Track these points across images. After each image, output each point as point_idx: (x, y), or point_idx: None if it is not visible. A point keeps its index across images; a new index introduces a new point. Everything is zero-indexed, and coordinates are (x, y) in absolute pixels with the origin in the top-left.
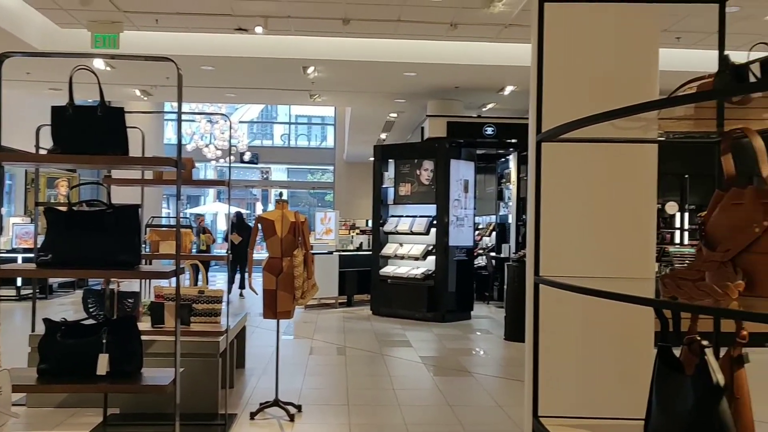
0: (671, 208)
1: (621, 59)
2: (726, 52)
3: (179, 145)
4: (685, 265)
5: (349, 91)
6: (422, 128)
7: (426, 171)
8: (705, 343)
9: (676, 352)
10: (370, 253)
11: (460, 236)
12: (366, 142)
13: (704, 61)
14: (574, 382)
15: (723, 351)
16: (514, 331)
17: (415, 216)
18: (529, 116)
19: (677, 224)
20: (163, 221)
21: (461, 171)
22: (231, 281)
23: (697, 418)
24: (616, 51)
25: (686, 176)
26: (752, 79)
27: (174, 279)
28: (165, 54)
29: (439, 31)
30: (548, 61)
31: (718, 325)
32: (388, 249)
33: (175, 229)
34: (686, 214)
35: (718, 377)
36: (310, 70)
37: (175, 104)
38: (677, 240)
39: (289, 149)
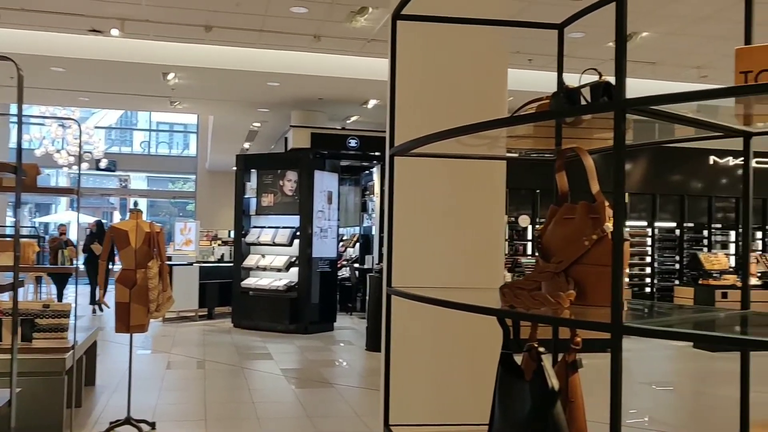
0: (524, 221)
1: (472, 78)
2: (580, 74)
3: (19, 151)
4: None
5: (212, 99)
6: (286, 138)
7: (289, 182)
8: (542, 349)
9: (519, 358)
10: (232, 264)
11: (323, 247)
12: (229, 151)
13: (554, 82)
14: (427, 390)
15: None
16: (375, 342)
17: (278, 227)
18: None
19: (529, 236)
20: (8, 231)
21: (325, 182)
22: (93, 294)
23: (533, 422)
24: (468, 70)
25: (537, 191)
26: (583, 102)
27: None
28: (9, 53)
29: (303, 43)
30: (403, 78)
31: (556, 332)
32: (250, 260)
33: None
34: (537, 227)
35: (553, 382)
36: (171, 76)
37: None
38: (529, 251)
39: (149, 157)
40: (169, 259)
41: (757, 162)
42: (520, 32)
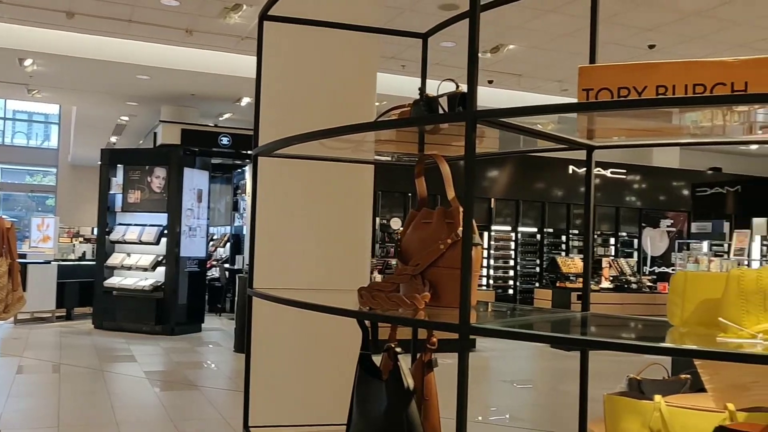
0: (395, 223)
1: (341, 82)
2: (438, 84)
3: None
4: None
5: (75, 89)
6: (155, 134)
7: (158, 178)
8: (399, 350)
9: (380, 359)
10: (94, 263)
11: (192, 247)
12: (94, 145)
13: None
14: (290, 391)
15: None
16: (244, 343)
17: (145, 225)
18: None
19: None
20: None
21: (195, 180)
22: None
23: (389, 420)
24: (337, 73)
25: (409, 194)
26: (441, 111)
27: None
28: None
29: (175, 36)
30: (270, 78)
31: (415, 333)
32: (115, 259)
33: None
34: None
35: (409, 381)
36: (28, 62)
37: None
38: None
39: (4, 147)
40: (23, 256)
41: (611, 173)
42: (394, 39)
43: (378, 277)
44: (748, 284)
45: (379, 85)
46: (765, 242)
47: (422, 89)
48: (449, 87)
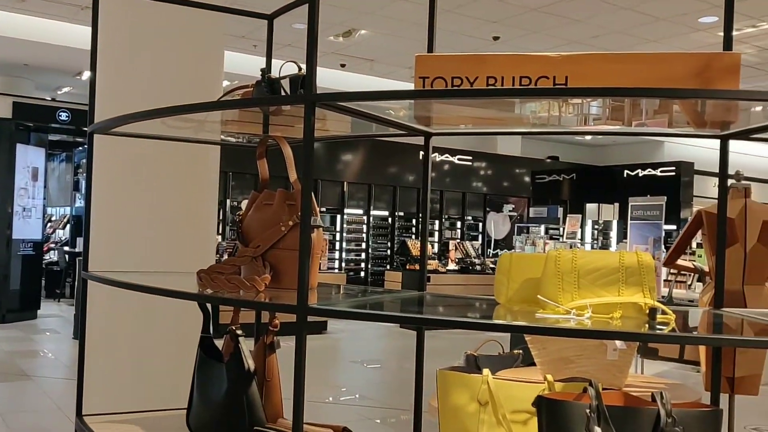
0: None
1: (186, 59)
2: (280, 65)
3: None
4: None
5: None
6: None
7: None
8: (239, 332)
9: (221, 342)
10: None
11: (26, 229)
12: None
13: (278, 69)
14: (130, 378)
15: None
16: None
17: None
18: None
19: None
20: None
21: (30, 157)
22: None
23: (229, 402)
24: (182, 50)
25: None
26: (283, 93)
27: None
28: None
29: (5, 1)
30: (111, 52)
31: (258, 315)
32: None
33: None
34: None
35: (249, 363)
36: None
37: None
38: None
39: None
40: None
41: (458, 159)
42: (246, 18)
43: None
44: (564, 264)
45: (230, 65)
46: (596, 226)
47: (265, 70)
48: (294, 69)
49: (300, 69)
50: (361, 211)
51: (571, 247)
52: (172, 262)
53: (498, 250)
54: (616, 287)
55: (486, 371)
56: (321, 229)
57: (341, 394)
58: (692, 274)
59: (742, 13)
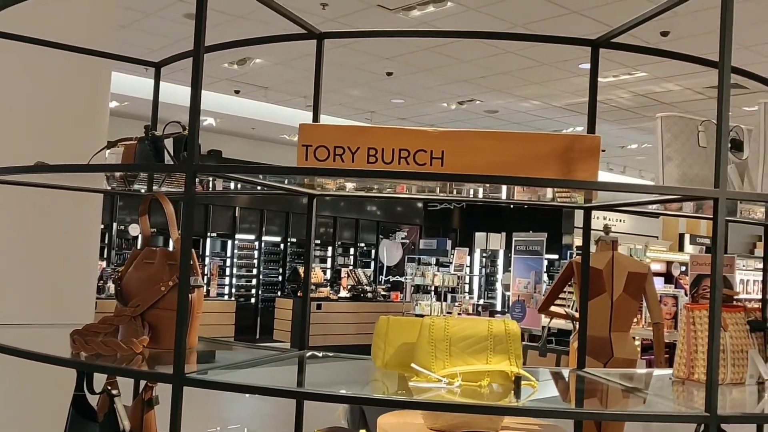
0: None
1: (69, 104)
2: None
3: None
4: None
5: None
6: None
7: None
8: (114, 392)
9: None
10: None
11: None
12: None
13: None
14: None
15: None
16: None
17: None
18: None
19: None
20: None
21: None
22: None
23: None
24: (64, 96)
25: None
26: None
27: None
28: None
29: None
30: None
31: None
32: None
33: None
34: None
35: (125, 423)
36: None
37: None
38: None
39: None
40: None
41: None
42: (138, 42)
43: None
44: (437, 332)
45: (118, 86)
46: (484, 254)
47: (149, 126)
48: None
49: (184, 129)
50: (252, 237)
51: (457, 279)
52: (48, 315)
53: (390, 277)
54: (484, 355)
55: None
56: (202, 288)
57: (227, 430)
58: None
59: (618, 62)
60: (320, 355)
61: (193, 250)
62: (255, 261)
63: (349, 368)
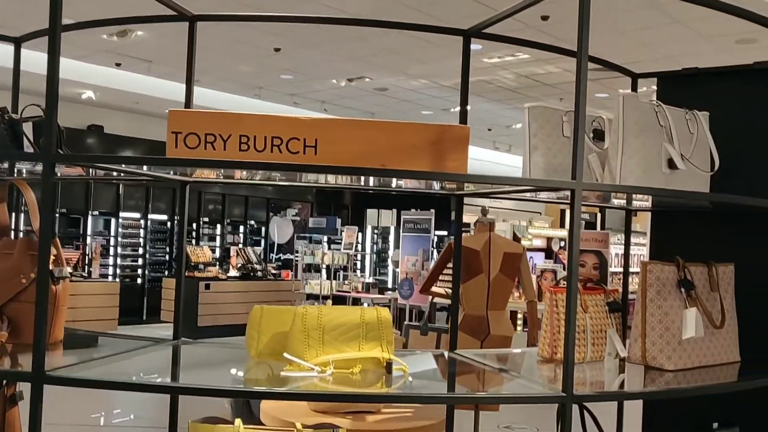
0: None
1: None
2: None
3: None
4: None
5: None
6: None
7: None
8: None
9: None
10: None
11: None
12: None
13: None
14: None
15: None
16: None
17: None
18: None
19: None
20: None
21: None
22: None
23: None
24: None
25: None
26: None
27: None
28: None
29: None
30: None
31: None
32: None
33: None
34: None
35: None
36: None
37: None
38: None
39: None
40: None
41: None
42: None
43: None
44: (310, 321)
45: None
46: (375, 231)
47: (5, 109)
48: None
49: (44, 112)
50: (138, 215)
51: (348, 257)
52: None
53: (281, 255)
54: (357, 342)
55: (238, 422)
56: (68, 279)
57: (114, 416)
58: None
59: (502, 43)
60: (194, 343)
61: (56, 238)
62: (141, 240)
63: (223, 358)
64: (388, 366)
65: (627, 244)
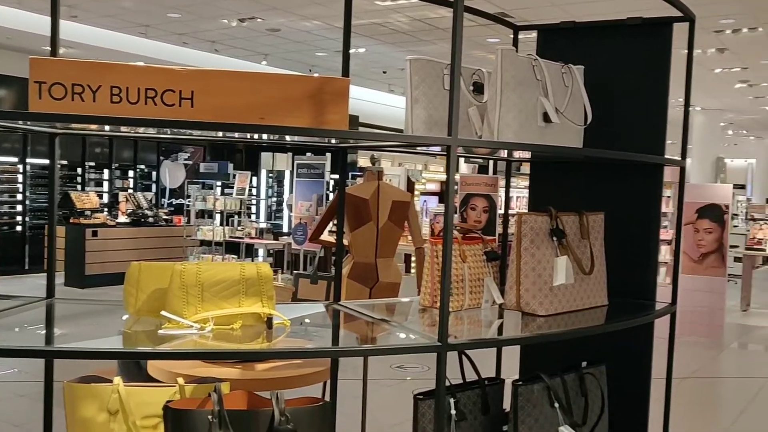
0: None
1: None
2: None
3: None
4: None
5: None
6: None
7: None
8: None
9: None
10: None
11: None
12: None
13: None
14: None
15: None
16: None
17: None
18: None
19: None
20: None
21: None
22: None
23: None
24: None
25: None
26: None
27: None
28: None
29: None
30: None
31: None
32: None
33: None
34: None
35: None
36: None
37: None
38: None
39: None
40: None
41: None
42: None
43: None
44: (189, 278)
45: None
46: (270, 175)
47: None
48: None
49: None
50: (15, 159)
51: (241, 203)
52: None
53: (173, 200)
54: (237, 298)
55: (117, 379)
56: None
57: None
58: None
59: None
60: (69, 301)
61: None
62: (20, 186)
63: (99, 317)
64: (269, 321)
65: (507, 193)
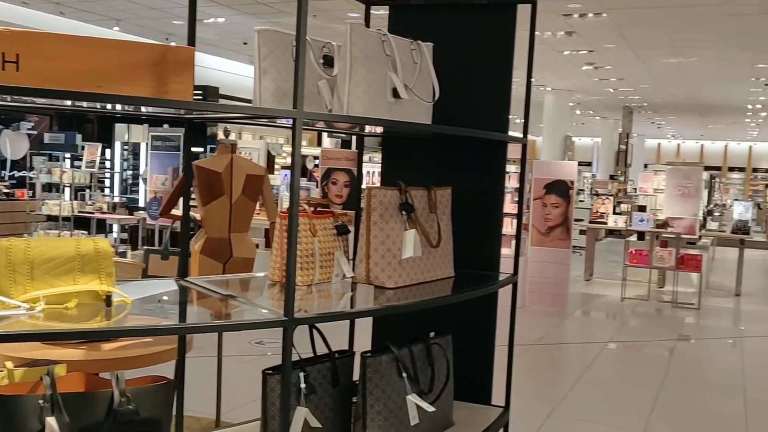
0: None
1: None
2: None
3: None
4: None
5: None
6: None
7: None
8: None
9: None
10: None
11: None
12: None
13: None
14: None
15: None
16: None
17: None
18: None
19: None
20: None
21: None
22: None
23: None
24: None
25: None
26: None
27: None
28: None
29: None
30: None
31: None
32: None
33: None
34: None
35: None
36: None
37: None
38: None
39: None
40: None
41: None
42: None
43: None
44: (16, 255)
45: None
46: (125, 147)
47: None
48: None
49: None
50: None
51: (91, 178)
52: None
53: (15, 172)
54: (72, 276)
55: None
56: None
57: None
58: None
59: None
60: None
61: None
62: None
63: None
64: (108, 299)
65: (359, 167)
